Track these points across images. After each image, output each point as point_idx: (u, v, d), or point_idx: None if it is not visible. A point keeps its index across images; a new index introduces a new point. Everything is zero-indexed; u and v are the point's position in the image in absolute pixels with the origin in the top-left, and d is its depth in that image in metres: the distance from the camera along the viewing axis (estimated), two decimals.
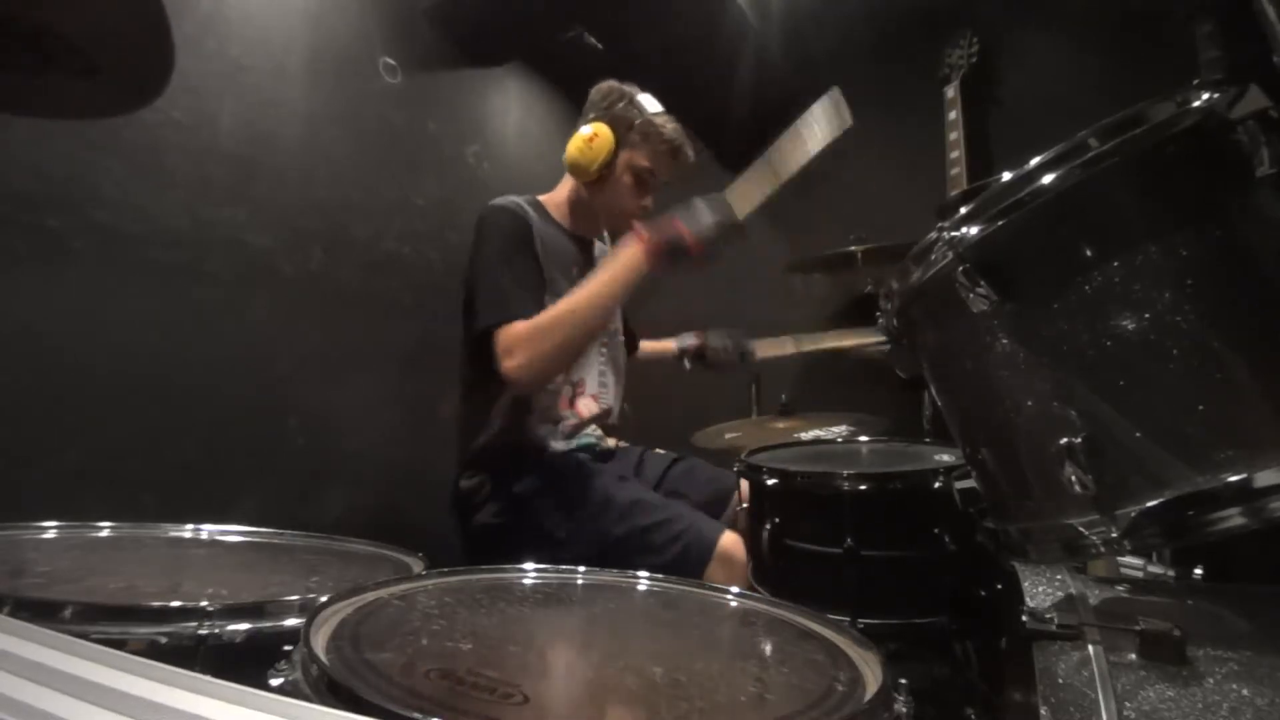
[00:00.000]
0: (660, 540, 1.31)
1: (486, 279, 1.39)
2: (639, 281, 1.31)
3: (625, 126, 1.50)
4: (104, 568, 0.88)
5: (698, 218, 1.28)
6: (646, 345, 1.86)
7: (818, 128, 1.29)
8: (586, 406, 1.59)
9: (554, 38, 2.41)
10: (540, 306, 1.35)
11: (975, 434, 0.82)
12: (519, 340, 1.29)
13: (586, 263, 1.59)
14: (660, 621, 0.78)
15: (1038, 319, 0.70)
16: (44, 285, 1.28)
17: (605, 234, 1.66)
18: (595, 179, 1.51)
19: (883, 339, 1.54)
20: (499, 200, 1.50)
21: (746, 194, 1.31)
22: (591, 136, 1.48)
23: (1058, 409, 0.68)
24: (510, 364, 1.29)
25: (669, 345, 1.86)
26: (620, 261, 1.32)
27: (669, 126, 1.51)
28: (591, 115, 1.52)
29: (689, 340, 1.83)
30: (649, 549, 1.30)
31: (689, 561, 1.27)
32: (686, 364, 1.83)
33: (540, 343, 1.29)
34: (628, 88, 1.54)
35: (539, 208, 1.56)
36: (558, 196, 1.61)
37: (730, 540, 1.29)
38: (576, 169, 1.51)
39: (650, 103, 1.53)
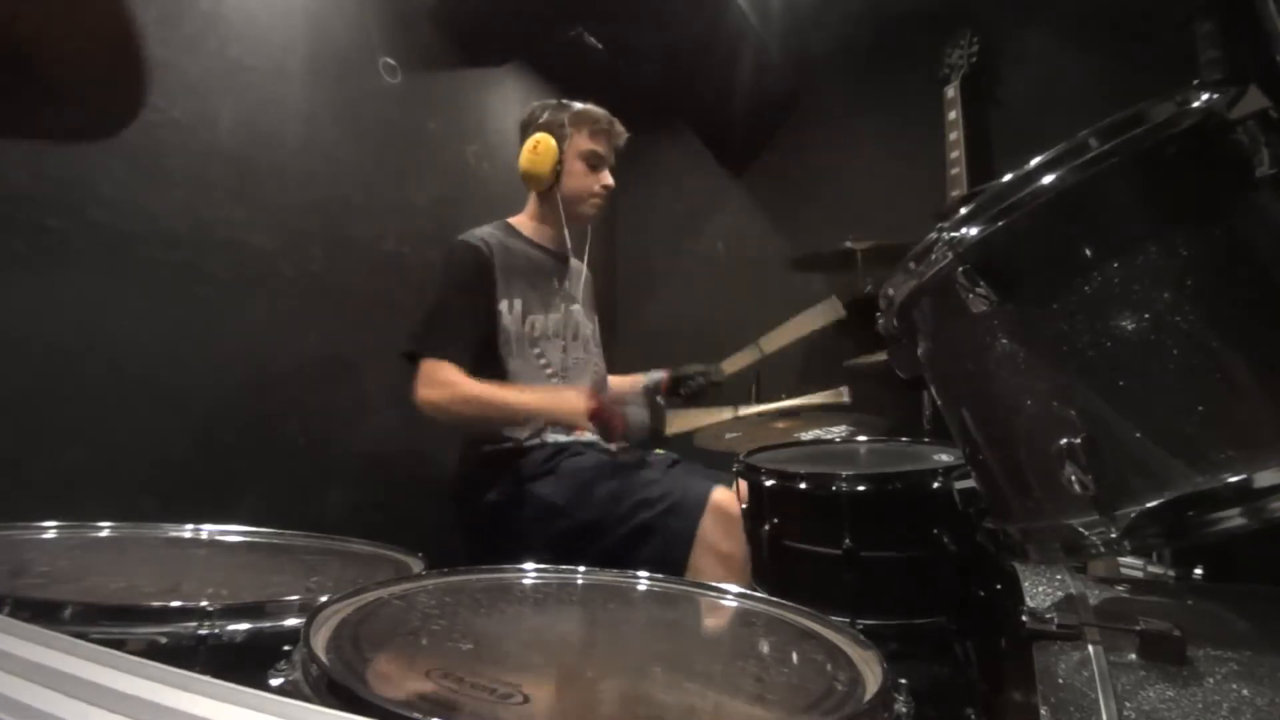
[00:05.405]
0: (654, 494, 1.38)
1: (429, 310, 1.53)
2: (563, 420, 1.52)
3: (559, 125, 1.64)
4: (104, 568, 0.88)
5: (636, 418, 1.51)
6: (613, 380, 1.83)
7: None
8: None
9: (554, 38, 2.41)
10: (469, 349, 1.48)
11: (975, 434, 0.82)
12: (446, 390, 1.43)
13: (560, 273, 1.69)
14: (660, 621, 0.78)
15: (1037, 319, 0.70)
16: (44, 285, 1.28)
17: (569, 242, 1.71)
18: (552, 180, 1.63)
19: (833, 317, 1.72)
20: (464, 235, 1.60)
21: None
22: (535, 144, 1.62)
23: (1058, 409, 0.68)
24: (425, 395, 1.44)
25: (637, 380, 1.84)
26: (559, 400, 1.50)
27: (596, 110, 1.67)
28: (530, 132, 1.66)
29: (657, 375, 1.81)
30: (643, 504, 1.37)
31: (682, 513, 1.33)
32: (660, 399, 1.80)
33: (461, 406, 1.44)
34: (550, 100, 1.70)
35: (509, 230, 1.67)
36: (526, 215, 1.72)
37: (724, 494, 1.34)
38: (531, 178, 1.64)
39: (573, 104, 1.68)
